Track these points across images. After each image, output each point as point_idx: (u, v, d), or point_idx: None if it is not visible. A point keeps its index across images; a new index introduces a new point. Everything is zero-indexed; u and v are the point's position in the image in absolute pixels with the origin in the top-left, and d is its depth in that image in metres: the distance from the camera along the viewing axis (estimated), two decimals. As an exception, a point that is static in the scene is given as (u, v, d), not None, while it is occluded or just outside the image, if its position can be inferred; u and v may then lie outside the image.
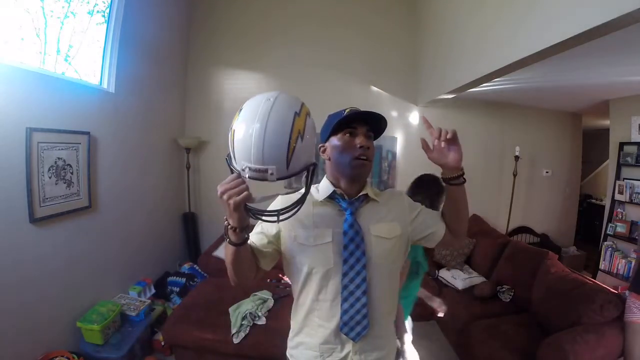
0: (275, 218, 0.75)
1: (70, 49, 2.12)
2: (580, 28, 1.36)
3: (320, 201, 0.92)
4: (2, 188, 1.57)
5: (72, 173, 1.98)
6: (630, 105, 3.25)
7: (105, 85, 2.32)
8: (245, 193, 0.69)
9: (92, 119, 2.14)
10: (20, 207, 1.67)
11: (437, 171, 3.50)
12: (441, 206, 1.13)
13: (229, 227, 0.75)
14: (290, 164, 0.70)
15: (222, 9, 3.42)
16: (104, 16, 2.29)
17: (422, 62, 3.43)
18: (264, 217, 0.76)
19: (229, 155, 0.74)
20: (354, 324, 0.88)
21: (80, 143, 2.03)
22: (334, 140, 0.91)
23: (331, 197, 0.92)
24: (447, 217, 0.99)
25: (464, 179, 0.92)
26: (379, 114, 0.89)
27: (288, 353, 1.01)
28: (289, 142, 0.68)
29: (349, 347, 0.90)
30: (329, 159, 0.94)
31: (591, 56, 2.06)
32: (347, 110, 0.89)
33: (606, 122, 3.76)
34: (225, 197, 0.69)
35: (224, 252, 0.83)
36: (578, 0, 1.40)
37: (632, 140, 3.24)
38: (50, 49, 1.98)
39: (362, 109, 0.91)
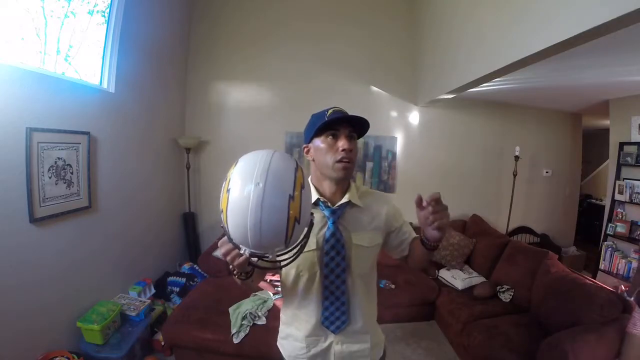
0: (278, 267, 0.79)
1: (70, 49, 2.12)
2: (580, 28, 1.36)
3: None
4: (2, 188, 1.57)
5: (72, 173, 1.98)
6: (630, 105, 3.25)
7: (105, 85, 2.32)
8: (245, 256, 0.69)
9: (92, 119, 2.13)
10: (20, 207, 1.67)
11: (433, 168, 3.41)
12: None
13: (234, 272, 0.81)
14: (290, 242, 0.69)
15: (221, 8, 3.42)
16: (104, 16, 2.29)
17: (422, 62, 3.43)
18: (268, 268, 0.83)
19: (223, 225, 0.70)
20: (334, 319, 0.96)
21: (80, 143, 2.03)
22: (317, 142, 0.92)
23: (315, 204, 0.94)
24: (410, 255, 1.01)
25: (436, 249, 0.88)
26: (359, 117, 0.89)
27: (278, 343, 1.10)
28: (287, 230, 0.66)
29: (331, 338, 0.98)
30: (313, 160, 0.96)
31: (591, 56, 2.06)
32: (329, 112, 0.90)
33: (606, 122, 3.76)
34: (228, 259, 0.71)
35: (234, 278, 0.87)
36: (578, 0, 1.40)
37: (632, 140, 3.24)
38: (50, 49, 1.98)
39: (346, 109, 0.92)
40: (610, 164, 3.55)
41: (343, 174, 0.91)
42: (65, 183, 1.93)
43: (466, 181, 3.80)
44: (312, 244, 0.91)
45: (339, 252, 0.92)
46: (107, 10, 2.29)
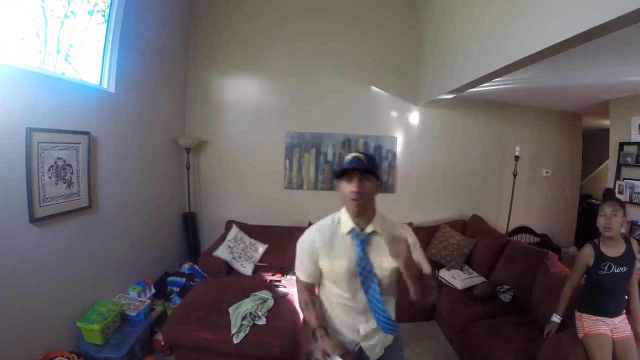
0: None
1: (70, 49, 2.12)
2: (580, 28, 1.36)
3: (345, 234, 1.18)
4: (2, 188, 1.57)
5: (72, 173, 1.98)
6: (630, 105, 3.24)
7: (105, 85, 2.32)
8: None
9: (92, 119, 2.13)
10: (20, 207, 1.67)
11: (433, 168, 3.41)
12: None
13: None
14: None
15: (222, 8, 3.42)
16: (104, 16, 2.29)
17: (422, 62, 3.42)
18: None
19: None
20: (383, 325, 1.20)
21: (80, 143, 2.03)
22: (340, 184, 1.14)
23: (350, 231, 1.17)
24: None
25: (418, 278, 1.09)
26: (367, 166, 1.08)
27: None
28: None
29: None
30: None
31: (591, 56, 2.06)
32: (348, 159, 1.11)
33: (606, 122, 3.76)
34: None
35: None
36: (578, 0, 1.40)
37: (632, 140, 3.24)
38: (50, 49, 1.98)
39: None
40: (610, 164, 3.55)
41: (356, 210, 1.12)
42: (65, 183, 1.93)
43: (466, 181, 3.80)
44: (344, 264, 1.15)
45: (369, 270, 1.13)
46: (107, 10, 2.29)
